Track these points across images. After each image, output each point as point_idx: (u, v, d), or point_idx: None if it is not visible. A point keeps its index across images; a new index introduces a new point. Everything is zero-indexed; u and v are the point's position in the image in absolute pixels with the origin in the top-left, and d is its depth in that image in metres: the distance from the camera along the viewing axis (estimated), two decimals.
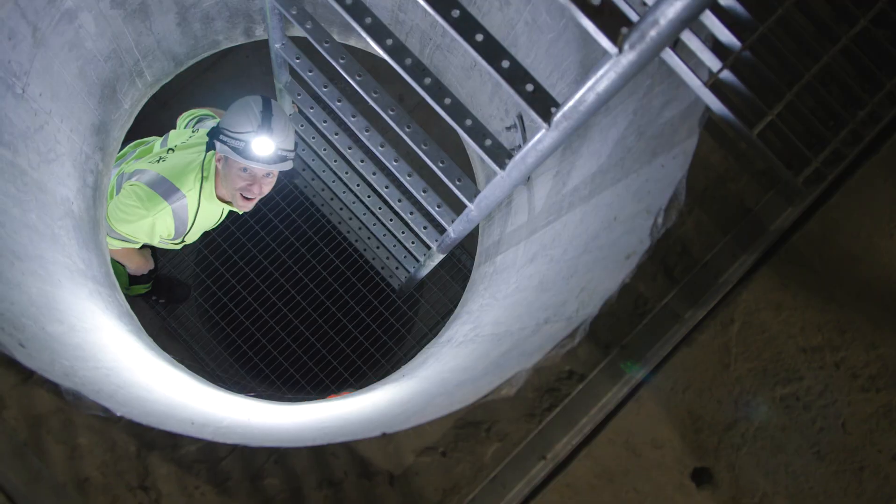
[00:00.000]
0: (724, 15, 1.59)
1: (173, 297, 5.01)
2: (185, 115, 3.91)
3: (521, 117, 2.78)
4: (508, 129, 2.84)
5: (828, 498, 1.51)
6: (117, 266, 4.32)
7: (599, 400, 1.51)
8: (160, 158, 3.46)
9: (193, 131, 3.73)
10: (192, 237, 3.77)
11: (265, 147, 3.15)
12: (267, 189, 3.36)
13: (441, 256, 3.42)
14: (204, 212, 3.54)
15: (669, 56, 1.58)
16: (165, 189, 3.40)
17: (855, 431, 1.52)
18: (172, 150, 3.49)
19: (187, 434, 1.51)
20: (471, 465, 1.50)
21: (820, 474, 1.51)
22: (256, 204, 3.52)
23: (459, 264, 5.28)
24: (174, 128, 3.92)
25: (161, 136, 3.85)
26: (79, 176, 2.81)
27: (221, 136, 3.19)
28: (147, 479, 1.46)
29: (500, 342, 1.99)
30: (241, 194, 3.36)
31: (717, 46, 1.57)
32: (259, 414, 2.15)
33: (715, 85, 1.59)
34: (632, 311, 1.56)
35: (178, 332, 5.05)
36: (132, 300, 3.96)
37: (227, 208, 3.65)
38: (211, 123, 3.67)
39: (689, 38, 1.54)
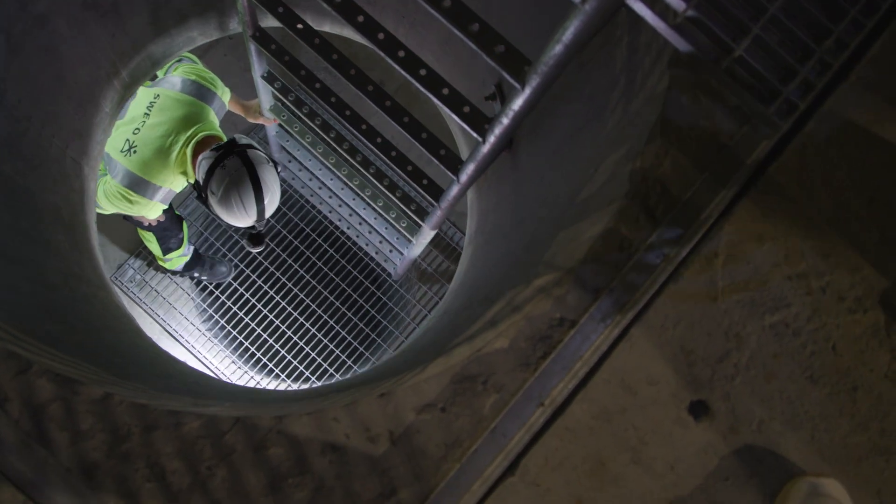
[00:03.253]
0: None
1: (216, 274, 5.00)
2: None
3: (499, 86, 2.79)
4: (487, 98, 2.85)
5: (823, 420, 1.53)
6: (149, 238, 4.31)
7: (592, 343, 1.53)
8: (131, 147, 3.41)
9: (156, 80, 3.69)
10: None
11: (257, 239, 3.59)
12: None
13: (432, 233, 3.43)
14: None
15: (634, 2, 1.59)
16: (144, 188, 3.45)
17: (846, 353, 1.54)
18: (139, 129, 3.45)
19: (189, 410, 1.53)
20: (470, 419, 1.52)
21: (814, 398, 1.53)
22: None
23: (453, 243, 5.29)
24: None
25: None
26: (65, 181, 2.82)
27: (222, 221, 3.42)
28: (153, 458, 1.48)
29: (494, 303, 2.00)
30: None
31: None
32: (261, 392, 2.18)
33: (681, 26, 1.60)
34: (617, 254, 1.58)
35: (177, 333, 5.06)
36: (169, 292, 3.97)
37: None
38: (182, 66, 3.67)
39: None
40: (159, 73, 3.79)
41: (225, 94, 3.71)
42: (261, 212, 3.28)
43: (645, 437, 1.51)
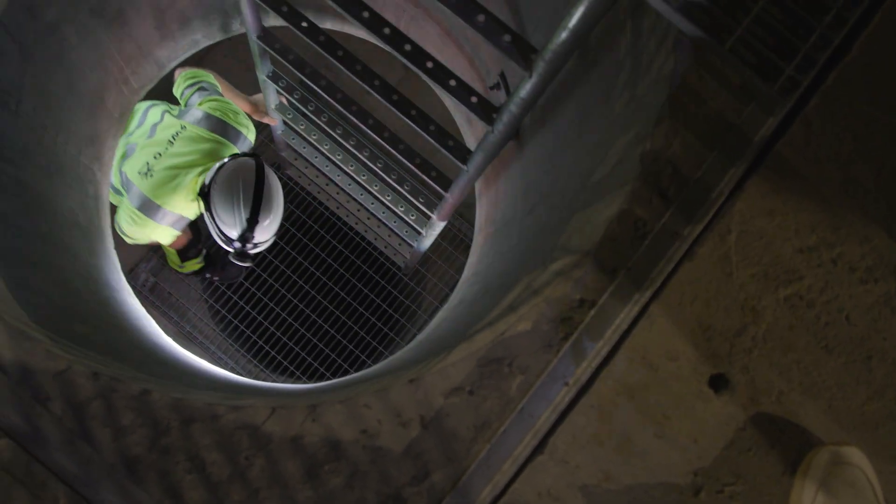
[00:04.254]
0: None
1: (227, 275, 4.97)
2: (186, 75, 3.78)
3: (503, 75, 2.82)
4: (492, 88, 2.89)
5: (840, 389, 1.57)
6: (170, 251, 4.30)
7: (612, 322, 1.57)
8: (148, 170, 3.41)
9: (181, 111, 3.67)
10: None
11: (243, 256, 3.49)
12: None
13: (442, 225, 3.47)
14: None
15: None
16: (154, 211, 3.43)
17: (859, 323, 1.58)
18: (160, 154, 3.47)
19: (225, 403, 1.58)
20: (498, 400, 1.57)
21: (830, 367, 1.57)
22: None
23: (461, 235, 5.33)
24: (173, 81, 3.84)
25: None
26: (80, 187, 2.87)
27: (214, 223, 3.34)
28: (192, 451, 1.52)
29: (512, 290, 2.04)
30: None
31: None
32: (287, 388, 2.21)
33: (683, 7, 1.64)
34: (633, 234, 1.62)
35: (193, 335, 5.10)
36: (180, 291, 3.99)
37: None
38: (207, 100, 3.65)
39: None
40: (177, 94, 3.79)
41: (251, 133, 3.73)
42: (252, 220, 3.26)
43: (668, 411, 1.55)
